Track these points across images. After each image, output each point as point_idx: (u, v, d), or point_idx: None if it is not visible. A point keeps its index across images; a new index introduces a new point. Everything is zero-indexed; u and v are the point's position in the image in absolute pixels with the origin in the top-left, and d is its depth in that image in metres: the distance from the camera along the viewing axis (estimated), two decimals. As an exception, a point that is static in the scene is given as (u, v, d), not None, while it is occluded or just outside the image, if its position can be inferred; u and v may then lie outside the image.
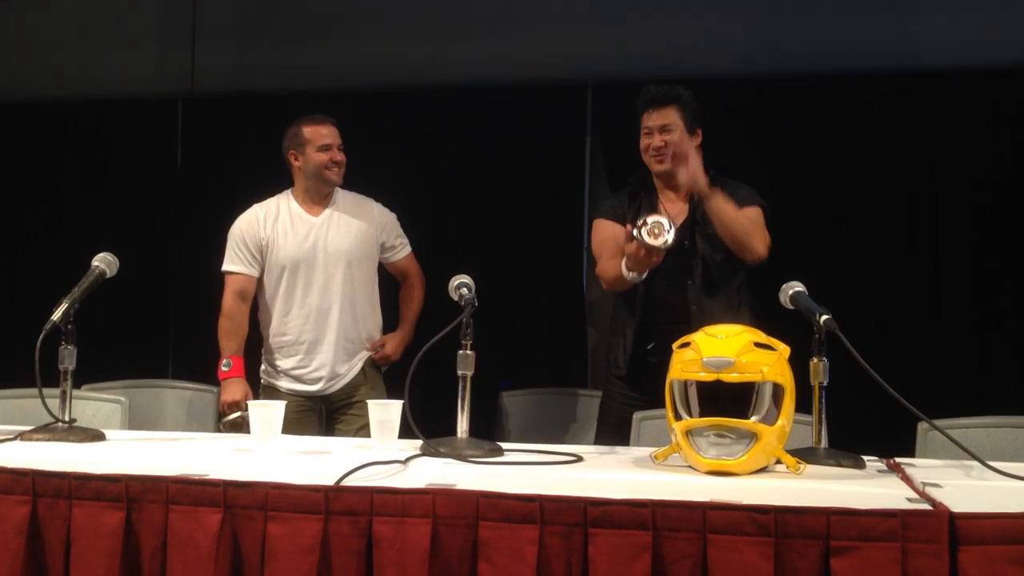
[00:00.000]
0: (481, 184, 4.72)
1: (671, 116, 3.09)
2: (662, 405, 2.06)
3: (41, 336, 2.31)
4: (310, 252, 3.38)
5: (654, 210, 3.12)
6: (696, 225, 3.11)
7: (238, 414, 3.25)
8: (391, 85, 4.79)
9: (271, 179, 3.59)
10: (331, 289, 3.39)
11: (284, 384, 3.42)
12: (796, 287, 2.32)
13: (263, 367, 3.50)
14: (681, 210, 3.15)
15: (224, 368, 3.38)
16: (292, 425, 3.20)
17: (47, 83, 5.18)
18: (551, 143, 4.68)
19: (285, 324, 3.40)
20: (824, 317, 2.13)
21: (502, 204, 4.69)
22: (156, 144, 5.08)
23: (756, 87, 4.39)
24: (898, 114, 4.32)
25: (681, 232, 2.91)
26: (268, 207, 3.47)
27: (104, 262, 2.56)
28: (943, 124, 4.27)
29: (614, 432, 3.00)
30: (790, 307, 2.31)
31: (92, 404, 3.00)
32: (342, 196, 3.50)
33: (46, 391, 2.33)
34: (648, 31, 4.65)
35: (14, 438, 2.27)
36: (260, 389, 3.47)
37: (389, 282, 3.66)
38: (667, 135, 3.08)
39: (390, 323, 3.61)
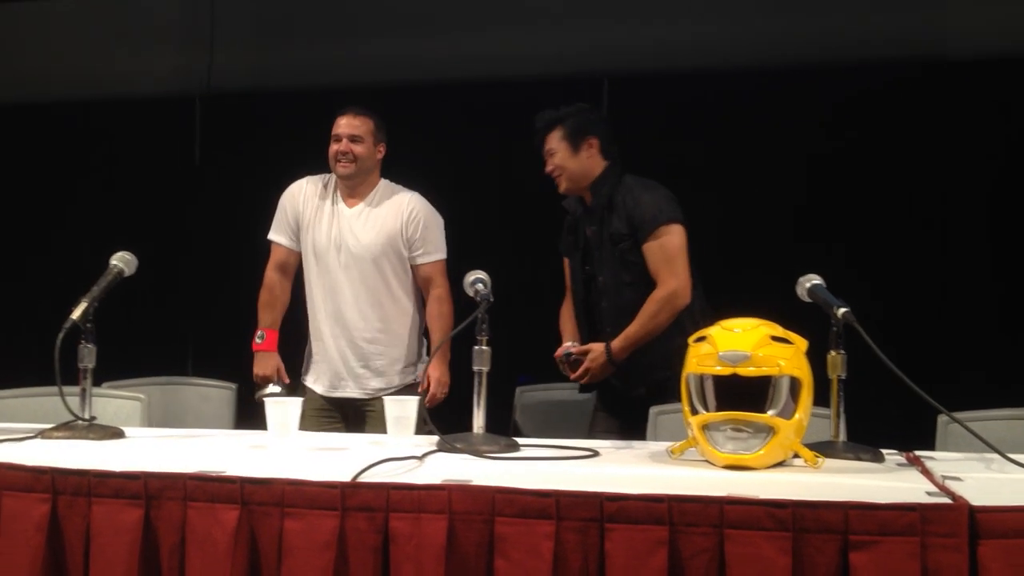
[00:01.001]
0: (497, 179, 4.71)
1: (552, 141, 3.18)
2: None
3: (61, 335, 2.32)
4: (336, 245, 3.29)
5: (576, 231, 3.26)
6: (598, 253, 3.15)
7: (269, 388, 3.24)
8: (407, 82, 4.80)
9: (289, 176, 3.59)
10: (350, 286, 3.27)
11: (308, 380, 3.38)
12: (814, 280, 2.30)
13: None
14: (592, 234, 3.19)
15: (257, 340, 3.33)
16: (313, 428, 3.16)
17: (67, 84, 5.21)
18: (567, 138, 4.67)
19: (312, 320, 3.35)
20: (842, 310, 2.11)
21: (517, 199, 4.68)
22: (175, 142, 5.11)
23: (771, 79, 4.37)
24: (910, 104, 4.28)
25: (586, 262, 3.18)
26: (316, 185, 3.38)
27: (122, 261, 2.57)
28: (956, 114, 4.23)
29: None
30: (807, 300, 2.30)
31: (112, 402, 3.02)
32: (383, 189, 3.38)
33: (66, 389, 2.34)
34: (664, 25, 4.63)
35: (35, 436, 2.29)
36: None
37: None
38: (552, 158, 3.19)
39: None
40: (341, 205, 3.34)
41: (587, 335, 3.21)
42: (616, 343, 3.05)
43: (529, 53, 4.70)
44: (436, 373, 3.23)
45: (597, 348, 3.09)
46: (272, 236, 3.41)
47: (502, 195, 4.71)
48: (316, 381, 3.36)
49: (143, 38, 5.20)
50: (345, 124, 3.31)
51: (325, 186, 3.38)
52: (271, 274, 3.41)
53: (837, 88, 4.35)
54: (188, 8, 5.18)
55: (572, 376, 3.14)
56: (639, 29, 4.64)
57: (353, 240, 3.29)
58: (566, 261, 3.37)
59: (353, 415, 3.33)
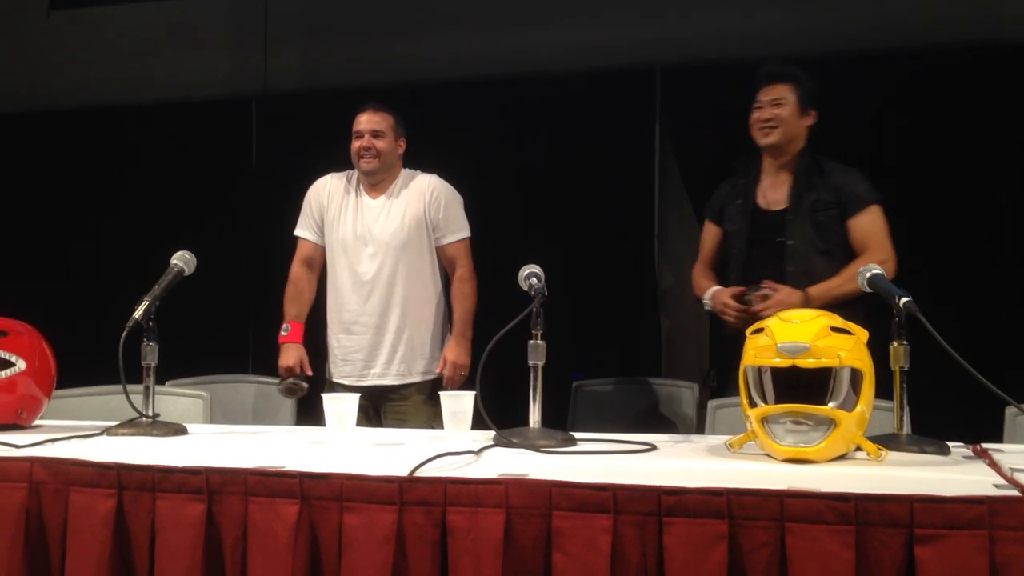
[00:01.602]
0: (551, 174, 4.70)
1: (783, 92, 3.15)
2: None
3: (124, 334, 2.37)
4: (362, 238, 3.33)
5: (746, 195, 3.21)
6: (793, 217, 3.11)
7: (291, 380, 3.28)
8: (460, 77, 4.81)
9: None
10: (377, 278, 3.31)
11: (333, 373, 3.39)
12: (874, 269, 2.26)
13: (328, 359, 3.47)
14: (782, 197, 3.16)
15: (283, 332, 3.38)
16: None
17: (127, 89, 5.32)
18: (620, 130, 4.65)
19: (339, 313, 3.37)
20: (904, 300, 2.07)
21: (572, 193, 4.67)
22: (232, 144, 5.19)
23: (824, 67, 4.29)
24: (973, 90, 4.18)
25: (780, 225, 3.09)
26: (339, 180, 3.44)
27: (182, 260, 2.61)
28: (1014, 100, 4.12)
29: None
30: (868, 290, 2.26)
31: (175, 399, 3.08)
32: (403, 178, 3.41)
33: (131, 388, 2.39)
34: (717, 15, 4.58)
35: (100, 433, 2.34)
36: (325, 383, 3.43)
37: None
38: (777, 108, 3.15)
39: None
40: (365, 198, 3.39)
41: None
42: (815, 289, 2.98)
43: (581, 45, 4.69)
44: (452, 356, 3.27)
45: (789, 289, 3.00)
46: (298, 232, 3.49)
47: (557, 190, 4.69)
48: (341, 373, 3.38)
49: (198, 41, 5.30)
50: (366, 120, 3.35)
51: (348, 181, 3.44)
52: (297, 268, 3.48)
53: (893, 75, 4.26)
54: (241, 10, 5.25)
55: (752, 309, 2.98)
56: (692, 19, 4.60)
57: (380, 231, 3.32)
58: (708, 225, 3.34)
59: (380, 405, 3.34)
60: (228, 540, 1.75)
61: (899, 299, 2.08)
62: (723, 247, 3.30)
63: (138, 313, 2.43)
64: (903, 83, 4.26)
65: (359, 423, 3.21)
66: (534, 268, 2.39)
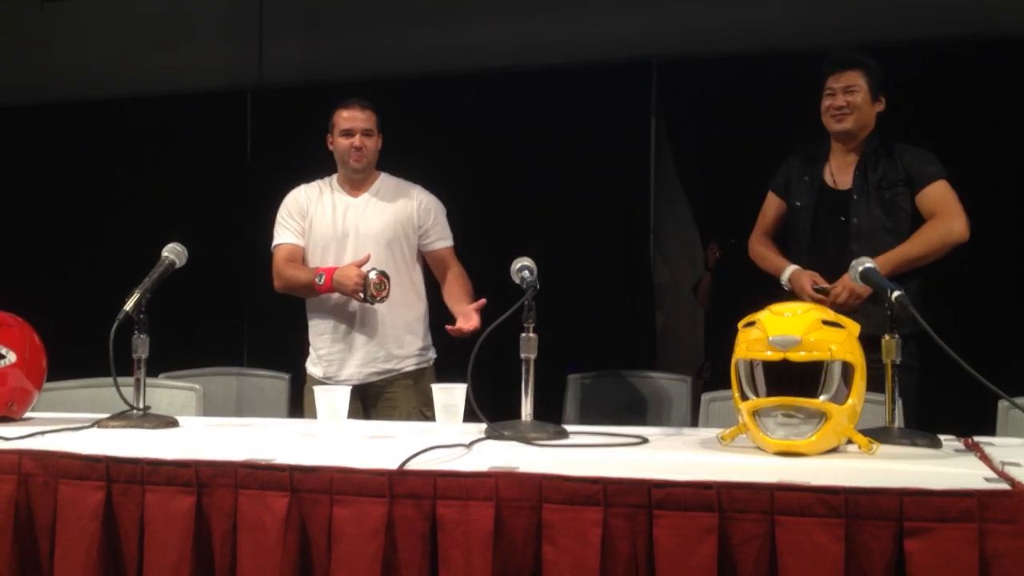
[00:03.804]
0: (546, 167, 4.70)
1: (855, 78, 3.16)
2: None
3: (114, 326, 2.36)
4: (343, 232, 3.30)
5: (813, 173, 3.23)
6: (858, 197, 3.12)
7: (372, 274, 3.09)
8: (456, 70, 4.81)
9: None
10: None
11: (318, 371, 3.34)
12: (866, 263, 2.26)
13: (308, 356, 3.41)
14: (848, 178, 3.18)
15: (319, 281, 3.18)
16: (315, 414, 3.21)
17: (121, 81, 5.32)
18: (616, 123, 4.65)
19: (322, 307, 3.32)
20: (896, 293, 2.06)
21: (568, 186, 4.67)
22: (227, 136, 5.19)
23: (820, 61, 4.29)
24: (974, 84, 4.18)
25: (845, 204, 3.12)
26: (313, 187, 3.41)
27: (173, 252, 2.60)
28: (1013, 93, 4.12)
29: None
30: (860, 283, 2.25)
31: (168, 392, 3.07)
32: (385, 181, 3.40)
33: (121, 380, 2.38)
34: (712, 8, 4.58)
35: (90, 426, 2.33)
36: (304, 378, 3.40)
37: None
38: (850, 95, 3.15)
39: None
40: (346, 197, 3.36)
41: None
42: (881, 259, 2.91)
43: (577, 38, 4.68)
44: (471, 310, 3.08)
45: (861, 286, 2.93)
46: (278, 240, 3.35)
47: (552, 184, 4.69)
48: (324, 368, 3.34)
49: (195, 36, 5.28)
50: (354, 117, 3.31)
51: (323, 186, 3.40)
52: (280, 265, 3.33)
53: (890, 69, 4.24)
54: (237, 5, 5.24)
55: (829, 299, 2.97)
56: (688, 12, 4.60)
57: (365, 227, 3.30)
58: (773, 197, 3.35)
59: (367, 398, 3.31)
60: (218, 533, 1.75)
61: (891, 293, 2.07)
62: (787, 222, 3.31)
63: (129, 305, 2.42)
64: (903, 75, 4.25)
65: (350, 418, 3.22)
66: (526, 261, 2.39)
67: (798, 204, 3.26)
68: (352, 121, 3.31)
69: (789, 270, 3.16)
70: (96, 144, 5.33)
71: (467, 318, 3.06)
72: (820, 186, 3.22)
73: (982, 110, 4.18)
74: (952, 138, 4.20)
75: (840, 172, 3.21)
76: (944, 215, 3.05)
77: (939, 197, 3.08)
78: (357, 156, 3.30)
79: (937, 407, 2.89)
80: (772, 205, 3.36)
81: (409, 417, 3.17)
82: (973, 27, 4.22)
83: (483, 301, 3.12)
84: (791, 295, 3.04)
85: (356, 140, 3.30)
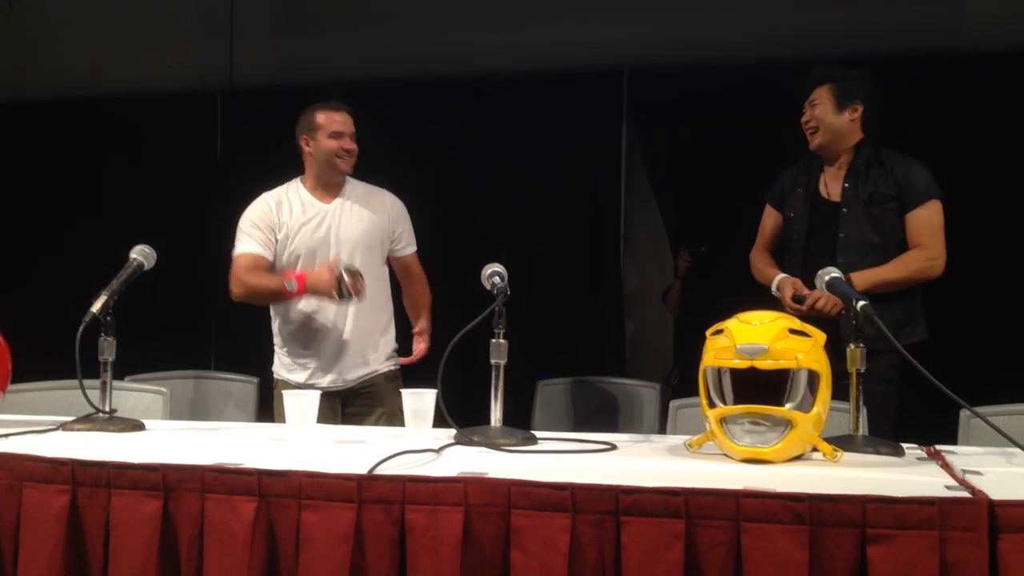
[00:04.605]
0: (517, 172, 4.71)
1: (817, 94, 3.23)
2: None
3: (81, 328, 2.34)
4: (323, 240, 3.27)
5: (808, 184, 3.27)
6: (846, 210, 3.16)
7: (347, 274, 3.04)
8: (426, 74, 4.81)
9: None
10: None
11: (297, 377, 3.32)
12: (832, 273, 2.29)
13: (275, 363, 3.39)
14: (838, 190, 3.22)
15: (290, 287, 3.10)
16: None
17: (89, 79, 5.26)
18: (587, 131, 4.67)
19: (300, 314, 3.28)
20: (861, 303, 2.09)
21: (539, 193, 4.68)
22: (196, 137, 5.15)
23: (790, 72, 4.33)
24: (943, 96, 4.24)
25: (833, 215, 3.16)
26: (278, 195, 3.34)
27: (141, 254, 2.58)
28: (991, 106, 4.19)
29: None
30: (826, 293, 2.28)
31: (134, 395, 3.04)
32: (353, 185, 3.39)
33: (88, 382, 2.36)
34: (684, 18, 4.62)
35: (56, 429, 2.31)
36: (273, 383, 3.38)
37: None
38: (813, 110, 3.23)
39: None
40: (319, 204, 3.32)
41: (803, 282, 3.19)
42: (858, 275, 2.98)
43: (549, 45, 4.70)
44: (424, 334, 3.43)
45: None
46: (239, 250, 3.26)
47: (523, 190, 4.70)
48: (299, 374, 3.32)
49: (163, 33, 5.25)
50: (344, 121, 3.31)
51: (287, 193, 3.34)
52: (240, 273, 3.24)
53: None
54: (208, 6, 5.21)
55: (804, 307, 3.02)
56: (660, 21, 4.63)
57: (345, 234, 3.29)
58: (769, 210, 3.41)
59: (345, 400, 3.31)
60: (184, 537, 1.74)
61: (856, 303, 2.10)
62: (782, 233, 3.36)
63: (96, 307, 2.40)
64: (874, 86, 4.31)
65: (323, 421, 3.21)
66: (497, 267, 2.40)
67: (792, 215, 3.30)
68: (344, 124, 3.31)
69: (777, 279, 3.20)
70: (63, 144, 5.28)
71: (416, 345, 3.36)
72: (814, 197, 3.26)
73: (952, 122, 4.24)
74: (923, 150, 4.27)
75: (833, 183, 3.25)
76: (929, 246, 3.09)
77: (928, 224, 3.11)
78: (344, 158, 3.29)
79: (901, 415, 2.93)
80: (770, 218, 3.41)
81: (390, 418, 3.20)
82: (944, 40, 4.29)
83: (425, 324, 3.42)
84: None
85: (347, 143, 3.29)
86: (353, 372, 3.32)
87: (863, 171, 3.18)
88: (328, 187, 3.36)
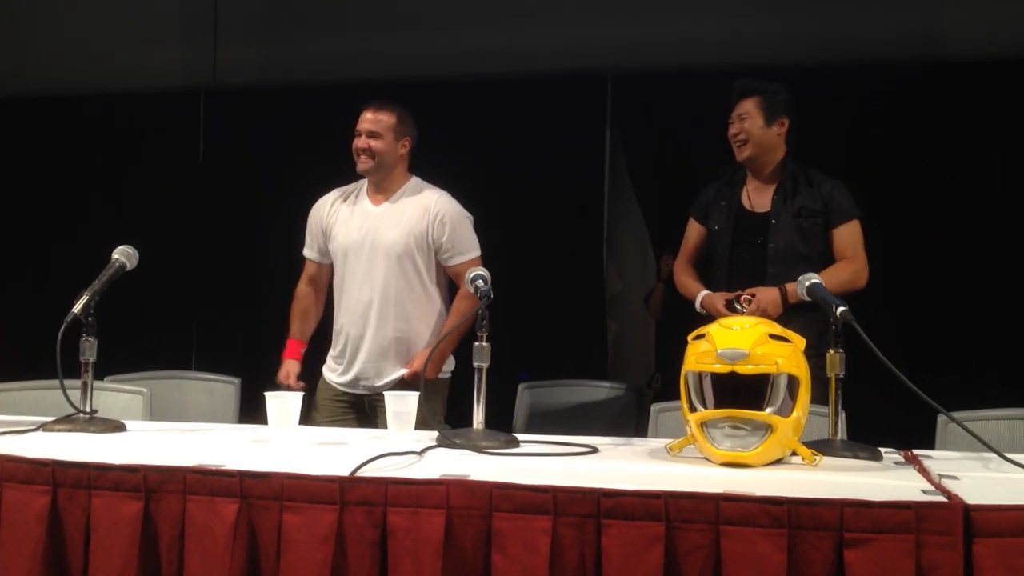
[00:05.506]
0: (501, 177, 4.72)
1: (747, 106, 3.25)
2: None
3: (62, 328, 2.33)
4: (359, 243, 3.25)
5: (731, 197, 3.30)
6: (776, 220, 3.20)
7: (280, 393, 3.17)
8: (410, 77, 4.81)
9: (292, 170, 3.61)
10: (372, 283, 3.23)
11: (328, 376, 3.35)
12: (812, 279, 2.31)
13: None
14: (766, 202, 3.26)
15: (288, 346, 3.41)
16: (327, 417, 3.25)
17: (72, 78, 5.24)
18: (571, 135, 4.69)
19: (338, 314, 3.33)
20: (840, 308, 2.12)
21: (522, 197, 4.70)
22: (179, 137, 5.14)
23: (777, 78, 4.36)
24: (921, 105, 4.28)
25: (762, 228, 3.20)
26: (343, 191, 3.38)
27: (124, 255, 2.57)
28: (967, 115, 4.23)
29: None
30: (807, 299, 2.30)
31: (115, 395, 3.03)
32: (412, 186, 3.33)
33: (68, 383, 2.35)
34: (668, 23, 4.64)
35: (36, 429, 2.30)
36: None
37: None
38: (742, 123, 3.24)
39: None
40: (366, 203, 3.31)
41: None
42: (791, 286, 2.94)
43: (532, 49, 4.71)
44: (417, 363, 3.18)
45: (766, 289, 3.10)
46: (305, 252, 3.44)
47: (507, 194, 4.71)
48: (334, 373, 3.35)
49: (147, 33, 5.22)
50: (367, 120, 3.26)
51: (351, 191, 3.37)
52: (302, 287, 3.45)
53: (841, 88, 4.35)
54: (192, 5, 5.19)
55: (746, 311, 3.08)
56: (643, 26, 4.65)
57: (379, 238, 3.24)
58: (693, 223, 3.42)
59: (368, 410, 3.30)
60: (165, 539, 1.74)
61: (836, 308, 2.12)
62: (707, 246, 3.38)
63: (77, 307, 2.39)
64: (852, 94, 4.35)
65: (346, 420, 3.22)
66: (480, 270, 2.41)
67: (716, 228, 3.33)
68: (361, 122, 3.27)
69: (700, 295, 3.25)
70: (45, 144, 5.25)
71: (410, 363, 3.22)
72: (738, 209, 3.30)
73: (929, 129, 4.28)
74: (900, 156, 4.31)
75: (757, 195, 3.29)
76: (854, 259, 3.18)
77: (852, 239, 3.20)
78: (361, 157, 3.26)
79: (879, 420, 2.95)
80: (693, 231, 3.44)
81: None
82: (923, 48, 4.33)
83: (428, 351, 3.10)
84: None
85: (361, 141, 3.25)
86: (372, 385, 3.27)
87: (791, 185, 3.23)
88: (379, 188, 3.31)
